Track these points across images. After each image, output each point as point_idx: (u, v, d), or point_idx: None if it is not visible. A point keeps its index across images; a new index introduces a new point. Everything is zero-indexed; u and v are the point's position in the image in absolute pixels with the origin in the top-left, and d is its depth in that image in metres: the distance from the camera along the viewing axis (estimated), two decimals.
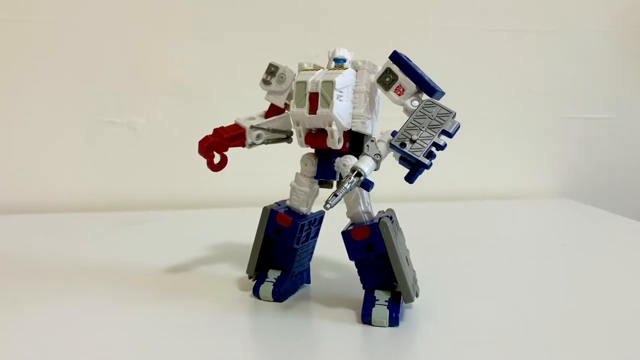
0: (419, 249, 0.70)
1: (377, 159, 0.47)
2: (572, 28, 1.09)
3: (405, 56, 0.50)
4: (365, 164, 0.46)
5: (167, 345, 0.46)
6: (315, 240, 0.59)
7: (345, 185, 0.45)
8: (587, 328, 0.50)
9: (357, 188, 0.49)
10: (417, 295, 0.52)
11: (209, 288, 0.59)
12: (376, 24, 1.06)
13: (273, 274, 0.56)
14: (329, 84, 0.48)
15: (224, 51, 1.03)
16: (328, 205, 0.44)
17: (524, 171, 1.14)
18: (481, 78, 1.10)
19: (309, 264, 0.60)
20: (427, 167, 0.45)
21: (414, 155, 0.45)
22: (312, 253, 0.59)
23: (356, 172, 0.45)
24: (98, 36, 0.99)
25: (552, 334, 0.48)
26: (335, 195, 0.45)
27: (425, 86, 0.48)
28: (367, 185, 0.46)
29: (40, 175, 1.00)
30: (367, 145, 0.47)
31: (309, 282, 0.60)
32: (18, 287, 0.59)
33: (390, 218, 0.51)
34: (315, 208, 0.56)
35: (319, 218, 0.57)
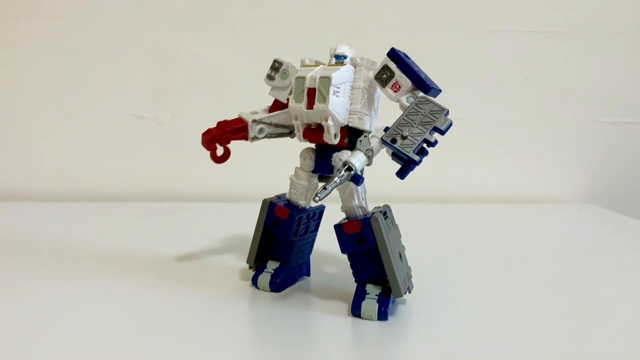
0: (431, 249, 0.71)
1: (369, 155, 0.47)
2: (600, 30, 1.06)
3: (403, 53, 0.50)
4: (357, 159, 0.47)
5: (166, 326, 0.48)
6: (315, 234, 0.60)
7: (335, 179, 0.46)
8: (585, 337, 0.49)
9: (351, 183, 0.50)
10: (409, 292, 0.53)
11: (213, 276, 0.61)
12: (405, 25, 1.06)
13: (272, 265, 0.58)
14: (326, 80, 0.49)
15: (249, 48, 1.06)
16: (317, 198, 0.45)
17: (548, 175, 1.11)
18: (507, 80, 1.09)
19: (309, 257, 0.61)
20: (417, 163, 0.45)
21: (404, 152, 0.45)
22: (312, 246, 0.60)
23: (347, 166, 0.46)
24: (128, 33, 1.03)
25: (540, 338, 0.48)
26: (324, 188, 0.45)
27: (420, 83, 0.48)
28: (356, 179, 0.46)
29: (73, 166, 1.05)
30: (360, 141, 0.48)
31: (308, 274, 0.61)
32: (37, 268, 0.62)
33: (385, 214, 0.51)
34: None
35: (318, 212, 0.58)
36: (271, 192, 0.58)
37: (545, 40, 1.07)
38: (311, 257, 0.62)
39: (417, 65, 0.50)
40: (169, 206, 0.97)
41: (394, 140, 0.46)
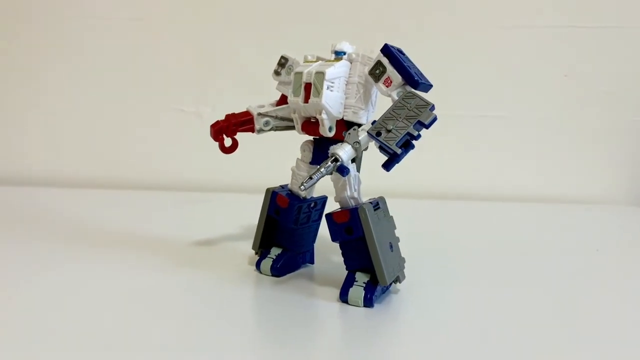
0: (452, 245, 0.74)
1: (356, 147, 0.49)
2: None
3: (396, 49, 0.51)
4: (344, 151, 0.49)
5: (172, 302, 0.52)
6: (318, 223, 0.62)
7: (321, 170, 0.48)
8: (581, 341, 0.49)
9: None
10: (399, 282, 0.54)
11: (223, 260, 0.65)
12: (441, 22, 1.06)
13: (275, 251, 0.61)
14: (321, 75, 0.51)
15: (285, 45, 1.09)
16: (302, 187, 0.48)
17: (588, 175, 1.08)
18: (546, 77, 1.06)
19: (312, 246, 0.63)
20: (399, 156, 0.47)
21: (387, 144, 0.47)
22: (315, 235, 0.63)
23: (333, 157, 0.48)
24: (174, 34, 1.09)
25: (526, 334, 0.48)
26: (310, 178, 0.48)
27: (409, 78, 0.49)
28: (341, 170, 0.48)
29: (117, 156, 1.13)
30: (349, 134, 0.50)
31: (312, 262, 0.64)
32: (62, 249, 0.68)
33: (376, 205, 0.53)
34: (318, 192, 0.61)
35: (320, 202, 0.61)
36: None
37: (586, 35, 1.04)
38: (316, 245, 0.64)
39: (409, 61, 0.52)
40: (198, 195, 1.03)
41: (378, 134, 0.48)
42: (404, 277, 0.55)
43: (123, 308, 0.51)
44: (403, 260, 0.56)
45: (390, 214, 0.56)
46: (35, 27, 1.10)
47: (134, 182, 1.10)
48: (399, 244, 0.56)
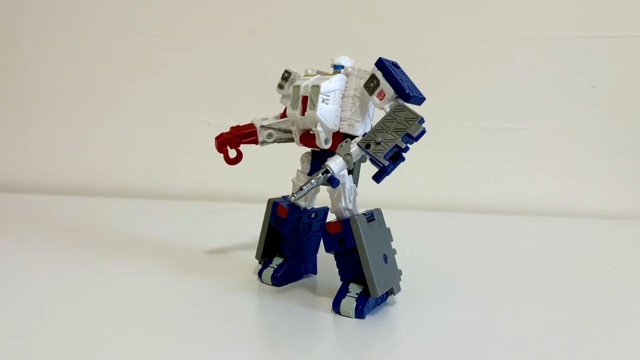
0: (458, 259, 0.73)
1: (347, 159, 0.50)
2: None
3: (390, 63, 0.52)
4: (335, 163, 0.49)
5: (175, 307, 0.55)
6: (320, 234, 0.63)
7: (312, 181, 0.49)
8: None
9: (340, 187, 0.53)
10: (392, 294, 0.54)
11: (229, 268, 0.66)
12: (460, 33, 1.06)
13: (277, 261, 0.62)
14: (316, 88, 0.53)
15: (310, 59, 1.11)
16: (293, 198, 0.49)
17: (614, 189, 1.04)
18: (573, 88, 1.04)
19: (314, 256, 0.64)
20: (387, 168, 0.47)
21: (375, 157, 0.47)
22: (317, 246, 0.64)
23: (324, 169, 0.49)
24: (198, 47, 1.13)
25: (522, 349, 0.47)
26: (301, 189, 0.49)
27: (400, 91, 0.50)
28: (332, 181, 0.49)
29: (143, 165, 1.17)
30: (341, 146, 0.50)
31: (314, 272, 0.64)
32: (83, 256, 0.71)
33: (371, 216, 0.54)
34: (320, 204, 0.61)
35: (321, 213, 0.61)
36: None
37: (615, 45, 1.01)
38: (320, 256, 0.65)
39: (404, 75, 0.52)
40: (220, 205, 1.05)
41: (368, 146, 0.48)
42: (399, 289, 0.55)
43: (128, 311, 0.53)
44: (399, 272, 0.56)
45: (388, 226, 0.56)
46: (83, 43, 1.17)
47: (156, 191, 1.14)
48: (396, 256, 0.56)
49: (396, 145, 0.47)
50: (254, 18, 1.12)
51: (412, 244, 0.81)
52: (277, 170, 0.90)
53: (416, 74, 1.02)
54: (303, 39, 1.10)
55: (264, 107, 1.10)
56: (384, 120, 0.49)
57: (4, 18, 1.18)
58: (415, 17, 1.07)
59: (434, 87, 1.06)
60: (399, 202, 1.05)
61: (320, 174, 0.49)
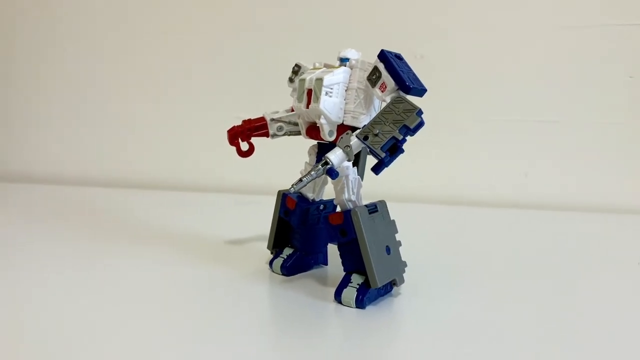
0: (480, 252, 0.73)
1: (347, 151, 0.50)
2: None
3: (393, 55, 0.52)
4: (335, 155, 0.50)
5: (188, 293, 0.57)
6: None
7: (311, 172, 0.50)
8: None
9: (343, 178, 0.53)
10: (396, 285, 0.55)
11: (244, 258, 0.68)
12: (492, 24, 1.04)
13: (287, 251, 0.63)
14: (319, 81, 0.53)
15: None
16: (292, 189, 0.50)
17: None
18: (609, 78, 1.00)
19: (325, 247, 0.65)
20: (384, 159, 0.48)
21: (373, 148, 0.48)
22: (327, 237, 0.64)
23: (324, 161, 0.50)
24: (231, 42, 1.16)
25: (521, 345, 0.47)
26: (300, 180, 0.50)
27: (401, 83, 0.50)
28: (330, 173, 0.50)
29: (184, 160, 1.21)
30: (342, 138, 0.51)
31: (325, 263, 0.65)
32: (113, 245, 0.75)
33: (373, 208, 0.54)
34: (330, 195, 0.62)
35: (330, 205, 0.62)
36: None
37: None
38: (330, 247, 0.65)
39: (406, 67, 0.52)
40: (249, 198, 1.08)
41: (366, 137, 0.49)
42: (402, 281, 0.55)
43: (143, 296, 0.56)
44: (404, 264, 0.56)
45: (393, 218, 0.56)
46: (110, 42, 1.22)
47: (187, 184, 1.17)
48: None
49: (393, 137, 0.48)
50: (285, 10, 1.14)
51: (430, 237, 0.81)
52: (294, 162, 0.91)
53: (447, 67, 1.02)
54: (335, 32, 1.10)
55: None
56: (382, 112, 0.49)
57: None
58: (447, 9, 1.06)
59: (464, 80, 1.06)
60: (425, 195, 1.05)
61: (320, 166, 0.50)
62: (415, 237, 0.69)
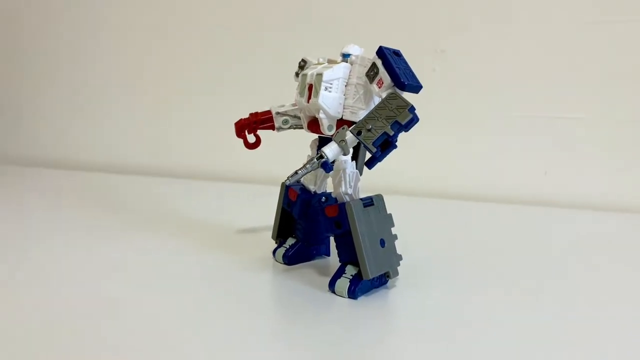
0: (486, 249, 0.73)
1: (343, 145, 0.51)
2: None
3: (391, 51, 0.53)
4: (330, 149, 0.51)
5: (187, 280, 0.60)
6: None
7: (306, 165, 0.51)
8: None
9: (341, 172, 0.55)
10: (388, 277, 0.56)
11: (249, 246, 0.71)
12: (517, 19, 1.03)
13: (290, 241, 0.65)
14: (319, 77, 0.55)
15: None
16: (287, 182, 0.52)
17: None
18: (636, 74, 0.98)
19: (328, 239, 0.66)
20: (376, 154, 0.49)
21: (365, 143, 0.49)
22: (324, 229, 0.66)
23: (319, 154, 0.51)
24: (256, 38, 1.18)
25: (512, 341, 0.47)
26: (295, 172, 0.52)
27: (396, 80, 0.51)
28: (324, 166, 0.51)
29: (202, 149, 1.24)
30: (338, 132, 0.52)
31: (328, 254, 0.67)
32: (120, 232, 0.78)
33: (368, 202, 0.55)
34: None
35: (331, 198, 0.63)
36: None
37: None
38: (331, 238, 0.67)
39: (403, 63, 0.53)
40: (259, 188, 1.09)
41: (359, 132, 0.50)
42: (396, 273, 0.56)
43: (151, 281, 0.59)
44: (399, 257, 0.57)
45: (389, 212, 0.57)
46: (157, 39, 1.26)
47: (216, 174, 1.20)
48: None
49: (385, 133, 0.49)
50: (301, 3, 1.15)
51: (447, 232, 0.82)
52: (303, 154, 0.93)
53: (468, 62, 1.01)
54: (352, 26, 1.11)
55: None
56: (377, 108, 0.50)
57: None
58: (468, 2, 1.05)
59: (485, 75, 1.05)
60: (442, 190, 1.05)
61: (315, 159, 0.51)
62: (426, 231, 0.70)
